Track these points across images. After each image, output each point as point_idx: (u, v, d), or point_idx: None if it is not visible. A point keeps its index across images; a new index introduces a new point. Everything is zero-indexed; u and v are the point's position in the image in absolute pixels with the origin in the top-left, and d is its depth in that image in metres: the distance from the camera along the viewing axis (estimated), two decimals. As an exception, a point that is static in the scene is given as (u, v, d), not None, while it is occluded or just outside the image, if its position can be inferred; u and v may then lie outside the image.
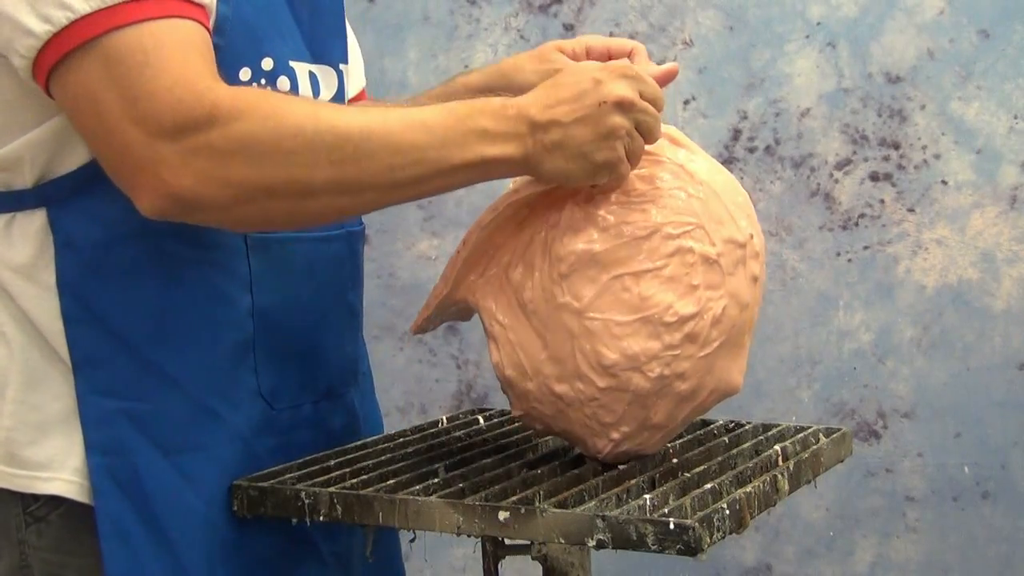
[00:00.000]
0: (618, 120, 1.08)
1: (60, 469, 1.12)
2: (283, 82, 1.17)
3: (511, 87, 1.31)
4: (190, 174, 1.00)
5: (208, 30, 1.07)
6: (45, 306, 1.12)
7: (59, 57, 1.01)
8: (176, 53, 1.01)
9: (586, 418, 1.13)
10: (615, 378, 1.11)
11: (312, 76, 1.22)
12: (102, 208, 1.10)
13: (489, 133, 1.07)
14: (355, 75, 1.40)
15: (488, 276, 1.17)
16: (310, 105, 1.08)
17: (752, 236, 1.15)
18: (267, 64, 1.16)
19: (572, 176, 1.10)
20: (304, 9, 1.24)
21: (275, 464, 1.19)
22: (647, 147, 1.12)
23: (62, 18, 1.00)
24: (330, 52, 1.27)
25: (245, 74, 1.14)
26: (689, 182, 1.13)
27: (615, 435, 1.14)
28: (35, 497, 1.13)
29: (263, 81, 1.15)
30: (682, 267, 1.10)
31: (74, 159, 1.10)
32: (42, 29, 1.01)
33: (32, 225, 1.12)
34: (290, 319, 1.21)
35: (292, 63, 1.19)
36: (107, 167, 1.05)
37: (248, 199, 1.03)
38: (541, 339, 1.13)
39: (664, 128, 1.14)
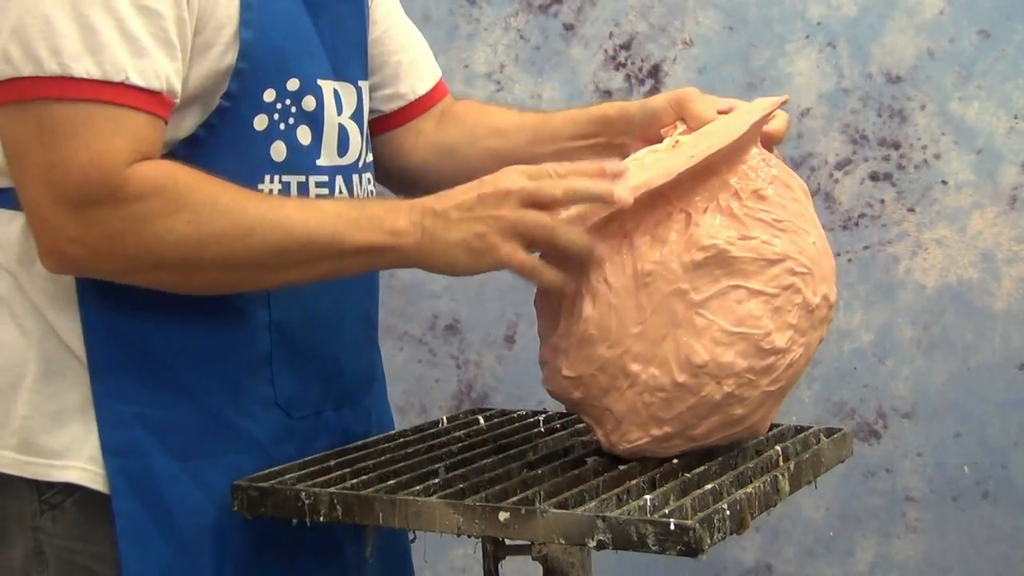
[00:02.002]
0: (497, 210, 1.09)
1: (76, 457, 1.13)
2: (308, 101, 1.19)
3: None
4: (83, 245, 1.06)
5: (160, 115, 1.08)
6: (64, 311, 1.13)
7: (4, 100, 1.06)
8: (104, 135, 1.05)
9: (642, 404, 1.14)
10: (694, 379, 1.12)
11: (336, 93, 1.23)
12: None
13: (381, 220, 1.11)
14: (426, 70, 1.41)
15: (606, 232, 1.14)
16: (215, 188, 1.09)
17: (834, 303, 1.20)
18: (293, 85, 1.18)
19: (457, 263, 1.10)
20: (327, 26, 1.24)
21: None
22: (781, 177, 1.16)
23: (4, 72, 1.04)
24: (351, 69, 1.27)
25: (270, 95, 1.16)
26: (815, 232, 1.17)
27: (655, 432, 1.15)
28: (50, 484, 1.14)
29: (288, 102, 1.17)
30: (788, 303, 1.13)
31: None
32: None
33: None
34: (308, 332, 1.22)
35: (320, 81, 1.21)
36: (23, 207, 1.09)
37: (137, 271, 1.08)
38: (640, 313, 1.12)
39: (795, 174, 1.19)
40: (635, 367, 1.12)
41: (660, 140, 1.23)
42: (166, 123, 1.10)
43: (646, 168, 1.14)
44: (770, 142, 1.22)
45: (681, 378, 1.12)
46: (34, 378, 1.14)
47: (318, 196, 1.22)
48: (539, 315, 1.21)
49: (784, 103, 1.19)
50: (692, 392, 1.12)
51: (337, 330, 1.26)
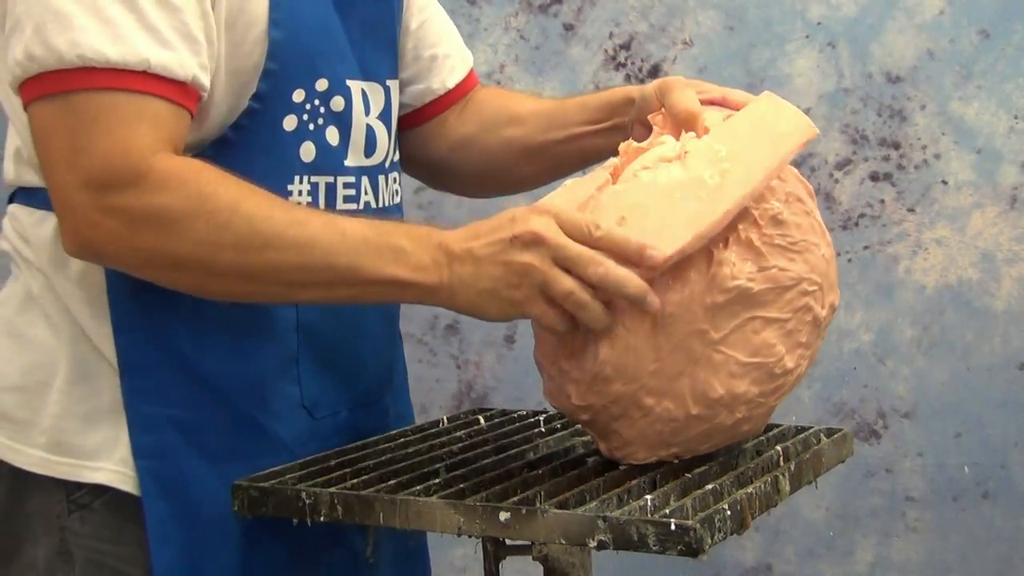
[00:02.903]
0: (528, 257, 1.05)
1: (107, 459, 1.14)
2: (337, 102, 1.19)
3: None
4: (103, 231, 1.05)
5: (184, 106, 1.08)
6: (95, 313, 1.14)
7: (30, 99, 1.07)
8: (127, 121, 1.05)
9: (653, 432, 1.12)
10: (708, 410, 1.11)
11: (364, 94, 1.23)
12: None
13: (406, 254, 1.08)
14: (458, 63, 1.41)
15: None
16: (240, 191, 1.08)
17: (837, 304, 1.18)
18: (321, 85, 1.18)
19: (486, 312, 1.09)
20: (356, 26, 1.24)
21: None
22: (794, 191, 1.12)
23: (29, 69, 1.05)
24: (378, 69, 1.27)
25: (299, 95, 1.16)
26: (823, 242, 1.14)
27: (662, 452, 1.15)
28: (79, 485, 1.14)
29: (316, 102, 1.17)
30: (800, 323, 1.12)
31: None
32: (17, 72, 1.07)
33: None
34: (333, 331, 1.22)
35: (348, 82, 1.21)
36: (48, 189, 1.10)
37: (155, 266, 1.08)
38: (657, 352, 1.09)
39: (797, 173, 1.15)
40: (649, 401, 1.11)
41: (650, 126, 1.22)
42: (192, 115, 1.09)
43: (670, 219, 1.07)
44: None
45: (695, 411, 1.11)
46: (65, 378, 1.15)
47: (345, 199, 1.22)
48: (537, 337, 1.17)
49: (811, 139, 1.15)
50: (705, 421, 1.12)
51: (361, 328, 1.26)
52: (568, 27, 2.36)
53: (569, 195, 1.14)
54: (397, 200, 1.32)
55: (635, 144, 1.18)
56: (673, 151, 1.12)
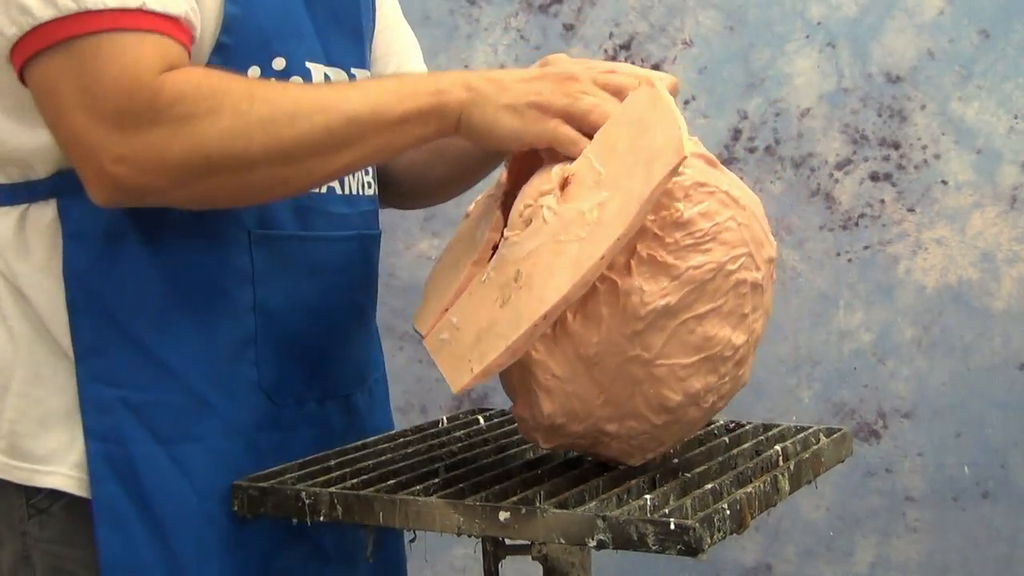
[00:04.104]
0: (555, 83, 1.10)
1: (60, 463, 1.13)
2: (295, 83, 1.18)
3: None
4: (130, 164, 1.04)
5: (181, 41, 1.08)
6: (51, 296, 1.13)
7: (27, 56, 1.06)
8: (130, 50, 1.05)
9: (629, 447, 1.12)
10: (673, 415, 1.09)
11: (326, 77, 1.23)
12: None
13: (423, 84, 1.11)
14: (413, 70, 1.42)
15: None
16: (250, 81, 1.10)
17: (775, 245, 1.13)
18: (278, 64, 1.17)
19: (500, 128, 1.10)
20: (320, 11, 1.24)
21: (278, 459, 1.19)
22: (700, 179, 1.07)
23: (25, 24, 1.05)
24: (344, 56, 1.27)
25: (254, 72, 1.15)
26: (736, 209, 1.08)
27: (651, 455, 1.14)
28: (37, 489, 1.14)
29: (273, 81, 1.16)
30: (736, 299, 1.08)
31: None
32: (10, 32, 1.06)
33: (44, 216, 1.13)
34: (293, 316, 1.21)
35: (308, 64, 1.20)
36: (66, 157, 1.09)
37: (188, 180, 1.06)
38: (599, 387, 1.07)
39: (699, 149, 1.10)
40: (612, 427, 1.10)
41: None
42: (188, 54, 1.09)
43: (555, 267, 1.04)
44: None
45: (660, 420, 1.09)
46: (21, 382, 1.14)
47: None
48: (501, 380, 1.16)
49: (680, 164, 1.02)
50: (676, 422, 1.10)
51: (325, 318, 1.25)
52: (568, 27, 2.36)
53: (475, 214, 1.20)
54: (369, 191, 1.33)
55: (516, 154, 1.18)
56: (551, 180, 1.10)
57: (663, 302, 1.04)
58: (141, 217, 1.12)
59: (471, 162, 1.37)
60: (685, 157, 1.01)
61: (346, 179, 1.27)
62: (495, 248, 1.14)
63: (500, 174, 1.21)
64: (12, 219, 1.14)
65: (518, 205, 1.11)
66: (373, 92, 1.10)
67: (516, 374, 1.11)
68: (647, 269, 1.04)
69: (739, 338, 1.09)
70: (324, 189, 1.25)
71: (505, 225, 1.13)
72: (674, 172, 1.01)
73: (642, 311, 1.04)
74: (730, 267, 1.06)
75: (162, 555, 1.12)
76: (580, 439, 1.12)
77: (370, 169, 1.33)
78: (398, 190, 1.44)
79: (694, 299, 1.05)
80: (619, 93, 1.11)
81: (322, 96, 1.09)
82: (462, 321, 1.12)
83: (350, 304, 1.29)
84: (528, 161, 1.16)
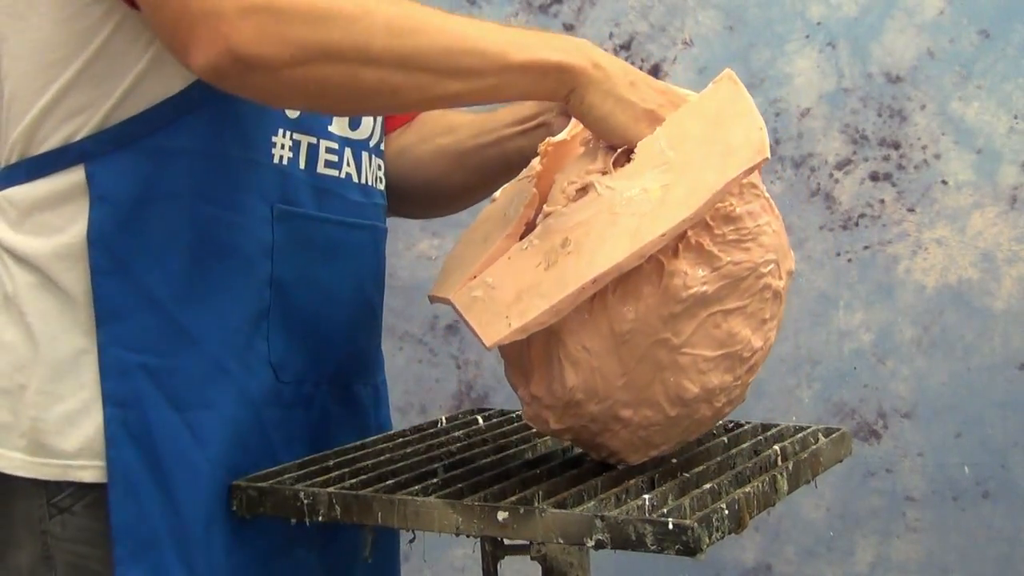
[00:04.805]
0: (670, 103, 1.12)
1: (93, 456, 1.13)
2: None
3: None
4: (249, 28, 1.01)
5: None
6: (74, 266, 1.13)
7: None
8: None
9: (636, 439, 1.12)
10: (687, 408, 1.10)
11: None
12: (138, 166, 1.13)
13: (553, 42, 1.10)
14: None
15: None
16: None
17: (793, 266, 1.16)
18: None
19: (615, 117, 1.10)
20: None
21: (278, 436, 1.20)
22: (753, 180, 1.10)
23: None
24: None
25: None
26: (773, 217, 1.12)
27: (653, 453, 1.15)
28: (60, 488, 1.14)
29: None
30: (760, 303, 1.10)
31: (124, 110, 1.13)
32: None
33: (70, 180, 1.13)
34: (304, 295, 1.22)
35: None
36: (165, 27, 1.06)
37: (305, 60, 1.03)
38: (623, 366, 1.08)
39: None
40: (626, 413, 1.10)
41: None
42: None
43: (609, 236, 1.06)
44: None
45: (674, 412, 1.10)
46: (42, 379, 1.14)
47: (327, 164, 1.24)
48: (505, 359, 1.17)
49: (761, 164, 1.07)
50: (686, 418, 1.12)
51: (334, 302, 1.25)
52: (568, 27, 2.36)
53: (503, 198, 1.19)
54: (381, 186, 1.33)
55: (553, 140, 1.19)
56: (600, 160, 1.12)
57: (703, 289, 1.07)
58: (169, 185, 1.12)
59: (489, 172, 1.38)
60: (767, 158, 1.05)
61: (363, 168, 1.28)
62: (527, 226, 1.14)
63: (533, 161, 1.21)
64: (42, 188, 1.14)
65: (561, 182, 1.13)
66: (503, 32, 1.09)
67: (539, 347, 1.11)
68: (693, 255, 1.07)
69: (757, 341, 1.11)
70: (343, 175, 1.26)
71: (542, 204, 1.14)
72: (752, 170, 1.05)
73: (683, 294, 1.06)
74: (762, 270, 1.10)
75: (172, 522, 1.12)
76: (591, 422, 1.12)
77: (382, 164, 1.34)
78: (415, 198, 1.44)
79: (727, 293, 1.08)
80: None
81: (452, 20, 1.08)
82: (498, 281, 1.11)
83: (359, 294, 1.30)
84: (562, 148, 1.19)
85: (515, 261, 1.12)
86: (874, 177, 2.28)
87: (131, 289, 1.13)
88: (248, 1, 1.01)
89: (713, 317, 1.08)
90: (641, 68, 2.33)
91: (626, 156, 1.12)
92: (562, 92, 1.11)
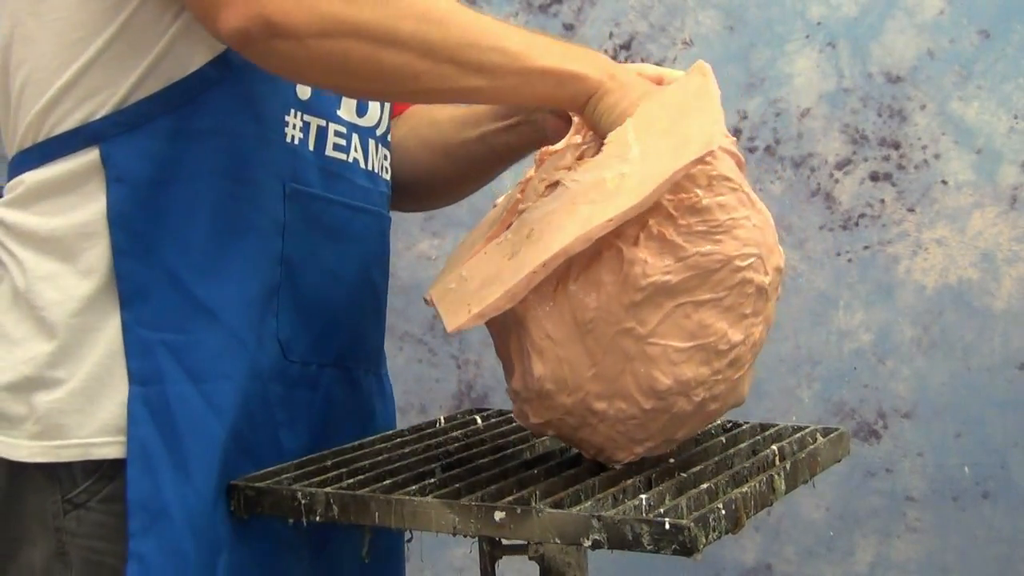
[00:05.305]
0: None
1: (113, 434, 1.13)
2: None
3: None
4: None
5: None
6: (96, 243, 1.14)
7: None
8: None
9: (616, 433, 1.12)
10: (662, 401, 1.10)
11: None
12: (155, 147, 1.13)
13: (573, 53, 1.13)
14: None
15: (537, 284, 1.09)
16: None
17: (784, 257, 1.15)
18: None
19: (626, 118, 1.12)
20: None
21: (281, 412, 1.20)
22: (727, 173, 1.10)
23: None
24: None
25: None
26: (753, 211, 1.11)
27: (639, 449, 1.14)
28: (75, 482, 1.14)
29: None
30: (740, 297, 1.09)
31: (142, 90, 1.14)
32: None
33: (85, 161, 1.14)
34: (312, 275, 1.23)
35: None
36: None
37: (333, 32, 1.04)
38: (591, 357, 1.09)
39: (731, 146, 1.13)
40: (600, 405, 1.10)
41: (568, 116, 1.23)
42: None
43: (565, 223, 1.07)
44: None
45: (648, 405, 1.10)
46: (57, 370, 1.14)
47: (335, 147, 1.25)
48: (497, 353, 1.19)
49: (708, 156, 1.06)
50: (664, 411, 1.11)
51: (339, 284, 1.26)
52: (568, 27, 2.36)
53: (502, 203, 1.21)
54: (386, 176, 1.34)
55: (549, 149, 1.20)
56: (567, 156, 1.15)
57: (664, 278, 1.06)
58: (185, 165, 1.13)
59: (478, 164, 1.39)
60: (713, 150, 1.05)
61: (370, 155, 1.30)
62: (509, 226, 1.16)
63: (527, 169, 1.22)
64: (59, 168, 1.14)
65: (533, 181, 1.15)
66: (526, 36, 1.11)
67: (515, 341, 1.12)
68: (655, 244, 1.07)
69: (735, 335, 1.10)
70: (350, 159, 1.27)
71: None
72: (699, 161, 1.04)
73: (642, 282, 1.06)
74: (739, 263, 1.08)
75: (183, 492, 1.12)
76: (568, 415, 1.12)
77: (388, 154, 1.35)
78: (409, 190, 1.45)
79: (696, 285, 1.07)
80: None
81: (481, 18, 1.10)
82: (471, 274, 1.14)
83: (365, 278, 1.31)
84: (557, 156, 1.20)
85: (489, 255, 1.14)
86: (874, 177, 2.28)
87: (153, 269, 1.14)
88: None
89: (682, 308, 1.07)
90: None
91: (597, 149, 1.14)
92: (580, 101, 1.14)
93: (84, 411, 1.14)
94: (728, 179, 1.09)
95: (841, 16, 2.27)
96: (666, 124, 1.10)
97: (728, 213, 1.08)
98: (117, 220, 1.13)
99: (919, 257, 2.26)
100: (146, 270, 1.14)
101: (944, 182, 2.25)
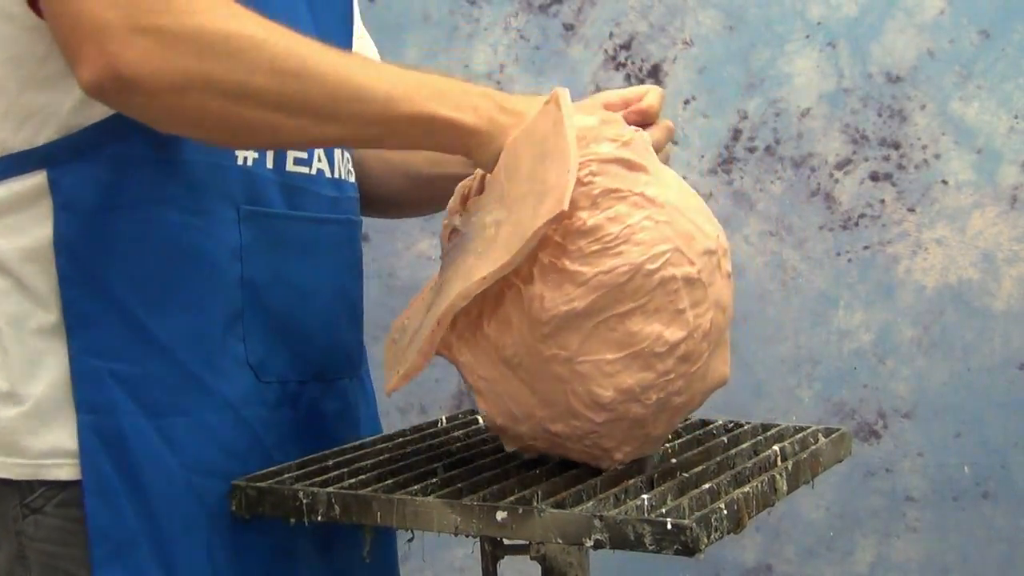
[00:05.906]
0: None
1: (66, 455, 1.12)
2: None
3: None
4: (135, 49, 1.00)
5: None
6: (43, 269, 1.13)
7: None
8: None
9: (585, 447, 1.12)
10: (613, 411, 1.08)
11: None
12: (100, 175, 1.12)
13: (447, 96, 1.08)
14: None
15: (459, 330, 1.11)
16: (267, 22, 1.06)
17: (718, 236, 1.11)
18: None
19: None
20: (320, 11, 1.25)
21: (268, 435, 1.20)
22: (611, 185, 1.07)
23: None
24: (336, 42, 1.27)
25: None
26: (652, 209, 1.07)
27: (618, 455, 1.13)
28: (32, 488, 1.13)
29: None
30: (666, 296, 1.06)
31: (86, 116, 1.12)
32: None
33: (32, 184, 1.13)
34: (280, 294, 1.21)
35: None
36: (59, 38, 1.05)
37: (185, 88, 1.02)
38: (529, 387, 1.09)
39: (619, 153, 1.09)
40: (557, 427, 1.10)
41: None
42: None
43: (455, 280, 1.08)
44: (646, 118, 1.20)
45: (600, 418, 1.09)
46: (13, 382, 1.13)
47: (296, 161, 1.23)
48: None
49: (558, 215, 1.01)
50: (621, 419, 1.09)
51: (312, 298, 1.25)
52: (568, 27, 2.36)
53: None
54: (352, 179, 1.33)
55: (464, 183, 1.19)
56: (458, 201, 1.17)
57: (568, 307, 1.05)
58: (133, 194, 1.12)
59: (423, 180, 1.39)
60: (563, 211, 1.01)
61: (335, 162, 1.28)
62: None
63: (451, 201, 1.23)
64: (3, 193, 1.13)
65: (445, 222, 1.17)
66: (398, 81, 1.07)
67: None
68: (553, 277, 1.05)
69: (675, 334, 1.07)
70: (314, 171, 1.25)
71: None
72: (554, 221, 1.02)
73: (544, 316, 1.05)
74: (650, 266, 1.05)
75: (149, 527, 1.12)
76: (534, 440, 1.13)
77: (350, 157, 1.34)
78: (374, 206, 1.45)
79: (612, 300, 1.05)
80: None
81: (339, 62, 1.06)
82: (411, 323, 1.17)
83: (338, 286, 1.30)
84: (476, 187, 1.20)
85: (424, 302, 1.17)
86: (874, 177, 2.28)
87: (99, 297, 1.12)
88: (138, 22, 1.00)
89: (605, 323, 1.05)
90: (641, 68, 2.33)
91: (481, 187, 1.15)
92: (457, 147, 1.10)
93: (37, 433, 1.13)
94: (614, 190, 1.06)
95: (841, 16, 2.27)
96: (529, 165, 1.07)
97: (621, 223, 1.05)
98: (62, 247, 1.12)
99: (919, 257, 2.27)
100: (93, 298, 1.12)
101: (944, 182, 2.25)
